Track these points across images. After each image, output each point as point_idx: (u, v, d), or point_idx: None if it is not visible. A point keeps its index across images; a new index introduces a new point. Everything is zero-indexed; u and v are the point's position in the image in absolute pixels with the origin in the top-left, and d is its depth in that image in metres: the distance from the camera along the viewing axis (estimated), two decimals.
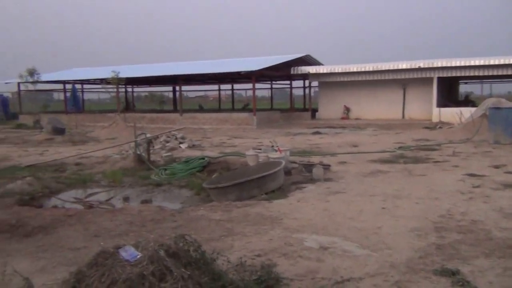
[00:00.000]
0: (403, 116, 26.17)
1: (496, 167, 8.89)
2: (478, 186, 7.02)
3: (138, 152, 10.25)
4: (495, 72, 23.44)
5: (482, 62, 23.02)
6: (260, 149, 9.95)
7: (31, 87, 26.75)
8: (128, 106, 36.31)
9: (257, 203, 6.27)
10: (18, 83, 29.04)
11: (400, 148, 12.27)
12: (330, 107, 28.00)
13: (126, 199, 7.74)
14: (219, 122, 23.86)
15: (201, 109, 36.09)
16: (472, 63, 23.20)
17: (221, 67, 26.90)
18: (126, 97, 37.54)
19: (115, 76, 22.97)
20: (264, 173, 7.00)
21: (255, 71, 22.79)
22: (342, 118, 26.98)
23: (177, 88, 28.71)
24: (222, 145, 14.29)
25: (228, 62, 29.81)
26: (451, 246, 4.32)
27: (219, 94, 41.40)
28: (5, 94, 33.70)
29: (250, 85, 27.49)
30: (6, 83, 31.79)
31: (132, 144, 10.85)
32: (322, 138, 16.16)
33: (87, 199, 7.69)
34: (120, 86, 25.16)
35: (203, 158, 9.79)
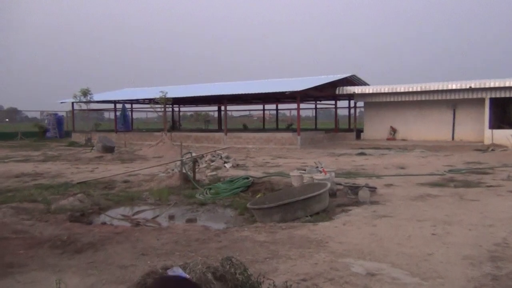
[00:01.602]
0: (453, 138, 25.31)
1: None
2: None
3: (184, 171, 10.42)
4: None
5: None
6: (304, 170, 9.87)
7: (84, 106, 27.94)
8: (175, 125, 37.16)
9: (301, 225, 6.19)
10: (72, 103, 30.45)
11: (450, 171, 11.84)
12: (375, 128, 27.53)
13: (171, 217, 7.85)
14: (263, 142, 23.93)
15: (245, 129, 36.38)
16: None
17: (266, 87, 27.12)
18: (172, 116, 38.48)
19: (163, 96, 23.65)
20: (309, 195, 6.92)
21: (300, 91, 22.80)
22: (388, 139, 26.42)
23: (222, 107, 29.14)
24: (266, 165, 14.29)
25: (273, 82, 30.02)
26: (509, 278, 4.08)
27: (263, 113, 41.64)
28: (60, 113, 35.38)
29: (294, 105, 27.56)
30: (61, 102, 33.43)
31: (178, 163, 11.05)
32: (367, 160, 15.86)
33: (134, 217, 7.86)
34: (167, 105, 25.85)
35: (247, 178, 9.82)
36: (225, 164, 13.58)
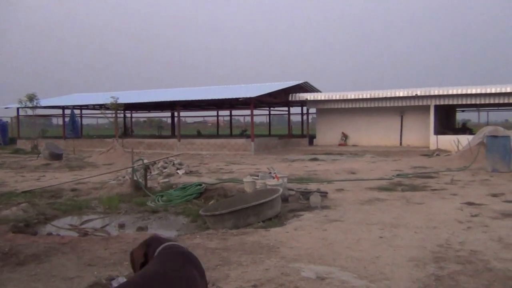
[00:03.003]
0: (401, 143, 26.24)
1: (495, 195, 8.86)
2: (476, 215, 6.98)
3: (135, 178, 10.20)
4: (491, 101, 23.64)
5: (479, 91, 23.24)
6: (257, 176, 9.92)
7: (30, 112, 26.82)
8: (126, 131, 36.36)
9: (254, 231, 6.20)
10: (17, 108, 29.14)
11: (398, 175, 12.25)
12: (327, 134, 28.10)
13: (121, 226, 7.65)
14: (217, 148, 23.86)
15: (199, 135, 36.13)
16: (469, 91, 23.41)
17: (219, 93, 27.08)
18: (124, 123, 37.63)
19: (114, 102, 23.09)
20: (261, 201, 6.95)
21: (254, 97, 22.93)
22: (340, 145, 27.03)
23: (176, 113, 28.81)
24: (220, 171, 14.24)
25: (227, 88, 30.04)
26: (450, 278, 4.26)
27: (217, 120, 41.54)
28: (4, 119, 33.74)
29: (248, 111, 27.62)
30: (6, 108, 31.91)
31: (129, 170, 10.81)
32: (320, 165, 16.13)
33: (82, 226, 7.60)
34: (119, 111, 25.26)
35: (200, 185, 9.74)
36: (178, 171, 13.42)
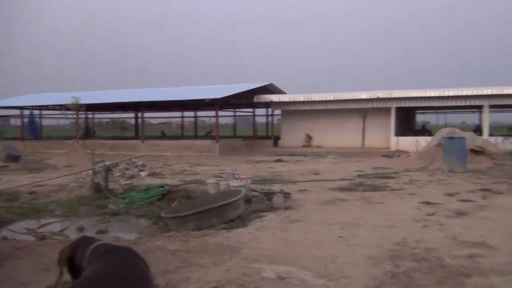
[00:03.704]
0: (363, 145, 26.79)
1: (450, 195, 9.17)
2: (432, 214, 7.21)
3: (96, 180, 10.00)
4: (449, 103, 24.49)
5: (437, 94, 24.04)
6: (221, 177, 9.91)
7: None
8: (88, 132, 35.54)
9: (216, 232, 6.20)
10: None
11: (359, 176, 12.50)
12: (292, 135, 28.37)
13: (81, 229, 7.49)
14: (182, 149, 23.67)
15: (163, 136, 35.75)
16: (428, 94, 24.19)
17: (184, 94, 26.92)
18: (86, 124, 36.80)
19: (75, 102, 22.53)
20: (224, 202, 6.96)
21: (219, 98, 22.91)
22: (304, 146, 27.34)
23: (139, 114, 28.40)
24: (184, 173, 14.14)
25: (192, 89, 29.88)
26: (406, 275, 4.39)
27: (182, 121, 41.23)
28: None
29: (213, 112, 27.54)
30: None
31: (90, 172, 10.59)
32: (284, 166, 16.27)
33: (40, 230, 7.39)
34: (80, 112, 24.67)
35: (163, 186, 9.66)
36: (141, 173, 13.24)
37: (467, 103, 24.38)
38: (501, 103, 24.10)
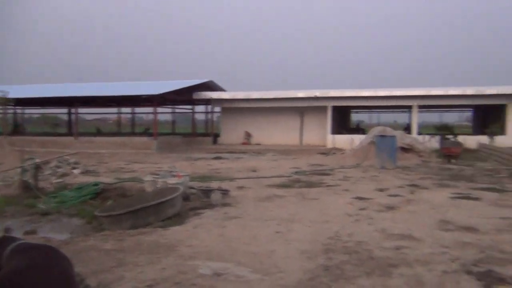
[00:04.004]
0: (301, 142, 27.37)
1: (381, 190, 9.61)
2: (364, 209, 7.53)
3: (24, 179, 9.50)
4: (382, 103, 25.61)
5: (371, 94, 25.04)
6: (158, 175, 9.74)
7: None
8: (17, 128, 33.61)
9: (152, 230, 6.11)
10: None
11: (296, 173, 12.78)
12: (231, 133, 28.43)
13: (7, 230, 7.06)
14: (118, 146, 23.02)
15: (99, 133, 34.54)
16: (362, 94, 25.14)
17: (122, 90, 26.16)
18: (14, 119, 34.80)
19: (3, 96, 21.26)
20: (161, 200, 6.86)
21: (157, 95, 22.49)
22: (243, 144, 27.50)
23: (73, 110, 27.28)
24: (120, 171, 13.77)
25: (129, 85, 29.12)
26: (338, 267, 4.55)
27: (119, 117, 40.03)
28: None
29: (151, 109, 27.01)
30: None
31: (19, 170, 10.03)
32: (223, 163, 16.29)
33: None
34: (9, 106, 23.29)
35: (97, 184, 9.35)
36: (74, 171, 12.73)
37: (398, 103, 25.63)
38: (428, 104, 25.55)
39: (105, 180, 10.73)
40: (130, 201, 7.81)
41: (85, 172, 12.85)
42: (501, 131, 23.49)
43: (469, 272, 4.34)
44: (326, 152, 21.35)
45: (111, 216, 6.73)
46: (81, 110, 33.00)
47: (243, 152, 22.20)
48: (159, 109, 30.09)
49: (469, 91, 23.76)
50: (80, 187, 9.26)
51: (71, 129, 33.67)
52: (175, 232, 5.98)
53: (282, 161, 17.12)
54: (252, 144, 27.56)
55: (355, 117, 39.89)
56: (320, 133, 26.60)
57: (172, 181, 8.62)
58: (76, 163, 13.51)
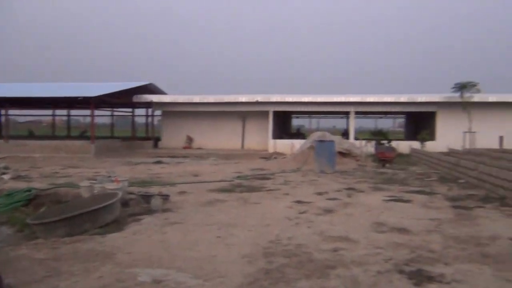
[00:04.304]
0: (243, 147, 27.52)
1: (320, 194, 9.88)
2: (304, 212, 7.70)
3: None
4: (321, 108, 26.31)
5: (310, 99, 25.65)
6: (95, 180, 9.44)
7: None
8: None
9: (89, 238, 5.91)
10: None
11: (238, 177, 12.84)
12: (173, 137, 28.08)
13: None
14: (53, 150, 22.04)
15: (31, 136, 32.89)
16: (302, 99, 25.71)
17: (57, 91, 25.07)
18: None
19: None
20: (98, 206, 6.65)
21: (94, 97, 21.78)
22: (185, 148, 27.24)
23: (3, 111, 25.78)
24: (54, 176, 13.20)
25: (65, 86, 27.95)
26: (278, 270, 4.64)
27: (53, 119, 38.34)
28: None
29: (89, 111, 26.10)
30: None
31: None
32: (164, 168, 16.06)
33: None
34: None
35: (29, 190, 8.91)
36: (4, 176, 12.05)
37: (336, 109, 26.44)
38: (364, 110, 26.58)
39: (39, 185, 10.25)
40: (65, 207, 7.51)
41: (16, 178, 12.20)
42: (431, 136, 24.88)
43: (401, 272, 4.57)
44: (268, 156, 21.62)
45: (45, 224, 6.44)
46: (13, 111, 31.30)
47: (185, 157, 21.99)
48: (98, 112, 29.18)
49: (402, 98, 24.98)
50: (10, 194, 8.78)
51: (0, 131, 31.82)
52: (113, 239, 5.82)
53: (224, 166, 17.14)
54: (194, 148, 27.36)
55: (296, 122, 40.73)
56: (262, 137, 26.89)
57: (110, 186, 8.39)
58: (6, 167, 12.81)
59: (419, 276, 4.45)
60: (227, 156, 22.50)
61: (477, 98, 23.67)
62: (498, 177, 9.99)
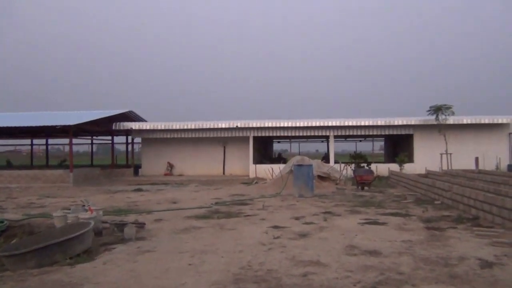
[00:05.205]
0: (224, 172, 27.50)
1: (297, 218, 9.91)
2: (278, 237, 7.72)
3: None
4: (301, 133, 26.54)
5: (290, 124, 25.88)
6: (69, 209, 9.34)
7: None
8: None
9: (57, 269, 5.83)
10: None
11: (216, 203, 12.81)
12: (153, 164, 27.95)
13: None
14: (30, 180, 21.73)
15: (9, 166, 32.38)
16: (282, 124, 25.92)
17: (35, 120, 24.84)
18: None
19: None
20: (68, 236, 6.57)
21: (73, 125, 21.66)
22: (165, 175, 27.10)
23: None
24: (30, 206, 12.99)
25: (43, 115, 27.74)
26: None
27: (31, 149, 37.86)
28: None
29: (68, 140, 25.87)
30: None
31: None
32: (143, 196, 15.94)
33: None
34: None
35: (2, 222, 8.74)
36: None
37: (316, 133, 26.69)
38: (344, 134, 26.90)
39: (12, 216, 10.06)
40: (37, 238, 7.39)
41: None
42: (410, 159, 25.24)
43: None
44: (249, 181, 21.63)
45: (13, 256, 6.32)
46: None
47: (165, 184, 21.87)
48: (77, 140, 28.94)
49: (380, 121, 25.40)
50: None
51: None
52: (82, 270, 5.75)
53: (204, 192, 17.08)
54: (174, 175, 27.23)
55: (279, 146, 40.94)
56: (242, 163, 26.94)
57: (83, 216, 8.31)
58: None
59: None
60: (208, 182, 22.44)
61: (452, 120, 24.21)
62: (471, 198, 10.18)
